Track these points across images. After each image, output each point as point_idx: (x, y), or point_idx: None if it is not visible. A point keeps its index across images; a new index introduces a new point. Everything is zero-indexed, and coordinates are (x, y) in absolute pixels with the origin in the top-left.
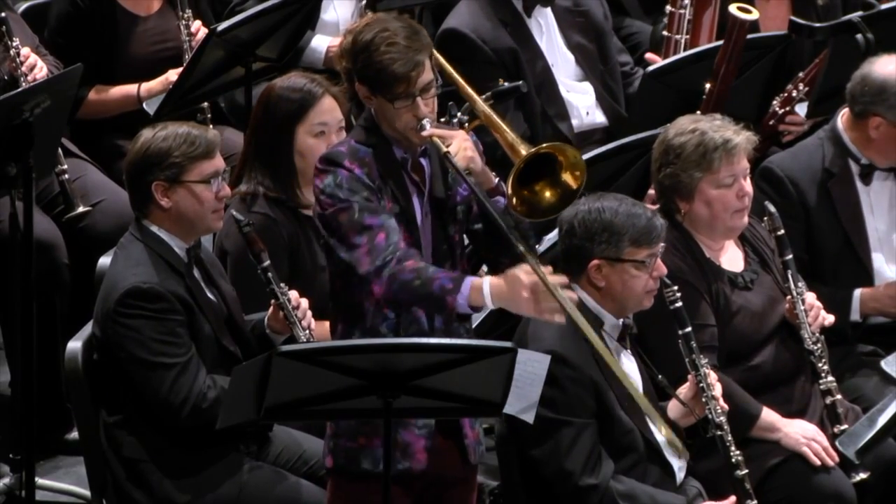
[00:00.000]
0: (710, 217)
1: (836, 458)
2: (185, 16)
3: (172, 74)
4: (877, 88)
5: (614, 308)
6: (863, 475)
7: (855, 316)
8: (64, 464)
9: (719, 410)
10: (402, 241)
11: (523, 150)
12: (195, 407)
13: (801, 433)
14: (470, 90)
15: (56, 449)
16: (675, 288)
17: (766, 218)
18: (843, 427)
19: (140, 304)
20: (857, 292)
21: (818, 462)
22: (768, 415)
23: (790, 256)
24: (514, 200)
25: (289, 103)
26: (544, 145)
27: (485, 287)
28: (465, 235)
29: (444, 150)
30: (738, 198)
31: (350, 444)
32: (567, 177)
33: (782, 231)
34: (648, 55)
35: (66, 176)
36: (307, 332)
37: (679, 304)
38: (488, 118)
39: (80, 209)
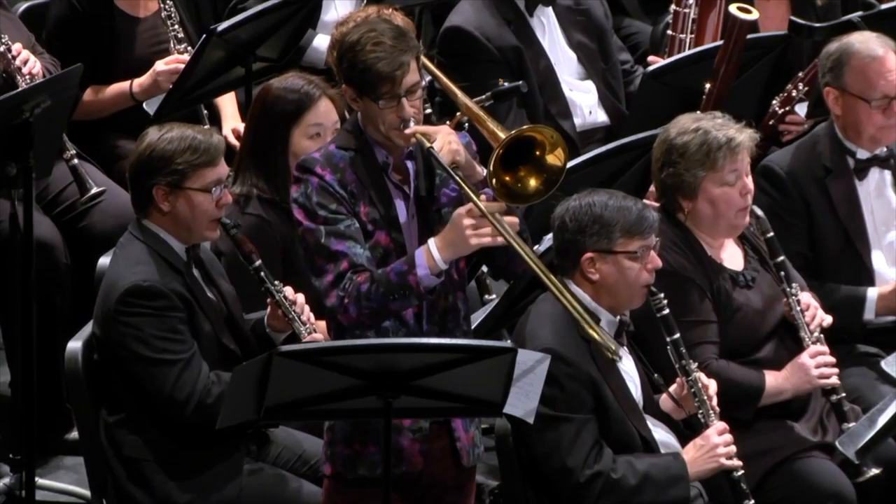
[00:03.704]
0: (714, 215)
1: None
2: (168, 5)
3: (160, 65)
4: (831, 61)
5: (609, 303)
6: (875, 471)
7: (869, 315)
8: (64, 464)
9: (711, 415)
10: (367, 265)
11: (503, 136)
12: (200, 402)
13: (805, 379)
14: (452, 85)
15: (56, 449)
16: (662, 296)
17: (754, 221)
18: (849, 425)
19: (141, 302)
20: (874, 291)
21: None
22: (770, 381)
23: (782, 258)
24: (496, 184)
25: (285, 103)
26: (523, 128)
27: (430, 246)
28: None
29: (429, 145)
30: (742, 195)
31: (346, 450)
32: (551, 158)
33: (772, 233)
34: (651, 58)
35: (76, 161)
36: (308, 325)
37: (666, 311)
38: (469, 110)
39: (94, 190)
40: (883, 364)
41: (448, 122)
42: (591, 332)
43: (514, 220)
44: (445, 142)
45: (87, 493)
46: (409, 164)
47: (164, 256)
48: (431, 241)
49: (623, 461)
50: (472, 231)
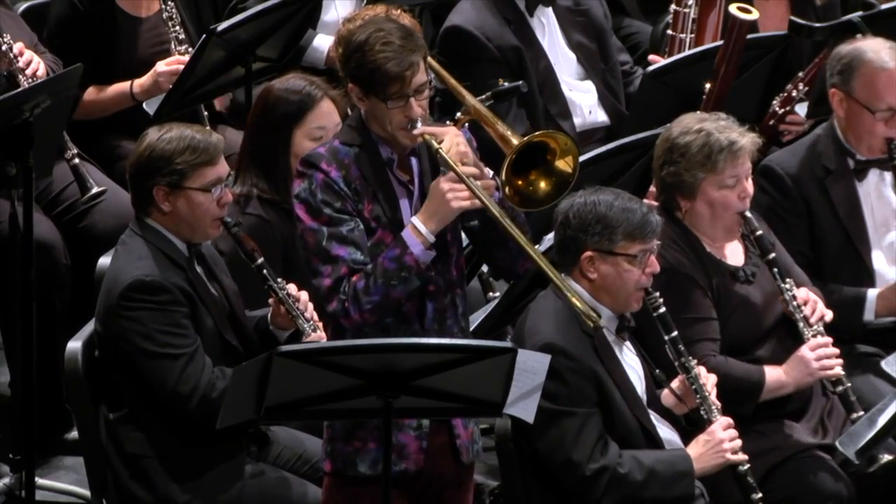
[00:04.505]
0: (711, 217)
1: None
2: (169, 6)
3: (161, 66)
4: (841, 64)
5: (607, 303)
6: (888, 456)
7: (869, 315)
8: (64, 464)
9: (713, 410)
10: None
11: (515, 141)
12: (204, 397)
13: (806, 371)
14: (459, 86)
15: (56, 449)
16: (657, 294)
17: (742, 221)
18: (857, 414)
19: (143, 296)
20: (873, 292)
21: (837, 374)
22: (771, 376)
23: (773, 255)
24: (508, 190)
25: (287, 105)
26: (535, 133)
27: (415, 222)
28: (462, 234)
29: (437, 146)
30: (740, 199)
31: (346, 447)
32: (561, 164)
33: (760, 231)
34: (652, 57)
35: (77, 161)
36: (311, 323)
37: (662, 310)
38: (478, 112)
39: (95, 190)
40: (883, 364)
41: (451, 123)
42: (572, 299)
43: (490, 183)
44: (453, 143)
45: (87, 493)
46: (413, 161)
47: (165, 252)
48: (414, 219)
49: (629, 456)
50: (452, 195)
